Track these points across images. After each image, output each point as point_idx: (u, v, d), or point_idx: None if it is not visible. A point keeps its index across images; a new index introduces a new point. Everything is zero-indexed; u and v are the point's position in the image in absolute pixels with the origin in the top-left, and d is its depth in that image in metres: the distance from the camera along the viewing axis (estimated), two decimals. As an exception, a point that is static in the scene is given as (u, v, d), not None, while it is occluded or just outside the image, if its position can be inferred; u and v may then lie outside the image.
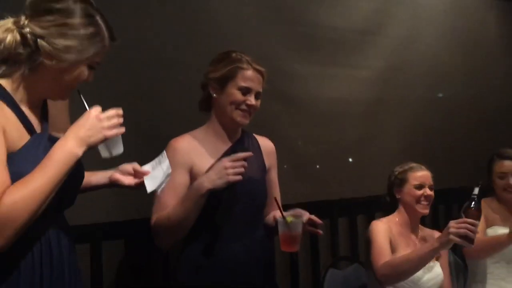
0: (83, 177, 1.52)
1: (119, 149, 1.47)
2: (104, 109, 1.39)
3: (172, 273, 1.99)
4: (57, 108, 1.54)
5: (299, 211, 1.95)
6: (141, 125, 2.21)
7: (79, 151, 1.33)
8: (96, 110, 1.39)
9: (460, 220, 2.07)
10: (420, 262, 2.17)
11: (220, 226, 1.92)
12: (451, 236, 2.04)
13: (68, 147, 1.32)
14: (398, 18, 3.32)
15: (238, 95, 1.94)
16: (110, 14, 1.41)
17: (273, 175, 2.16)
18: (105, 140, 1.40)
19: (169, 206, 1.87)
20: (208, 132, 2.02)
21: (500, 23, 3.98)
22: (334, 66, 2.97)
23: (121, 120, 1.42)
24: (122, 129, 1.43)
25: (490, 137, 3.64)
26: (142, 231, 2.12)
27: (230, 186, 1.81)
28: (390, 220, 2.49)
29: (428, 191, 2.46)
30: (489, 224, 2.74)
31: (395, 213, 2.53)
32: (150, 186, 1.60)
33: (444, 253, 2.57)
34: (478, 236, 2.58)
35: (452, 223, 2.07)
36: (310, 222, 1.95)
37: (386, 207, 2.61)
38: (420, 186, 2.46)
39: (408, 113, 3.34)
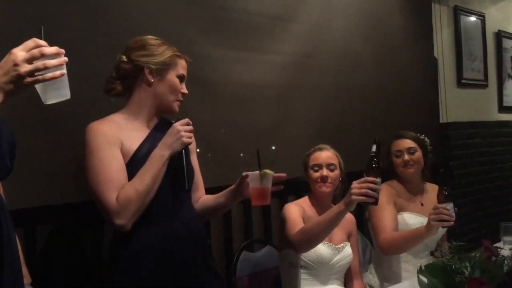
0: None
1: (59, 94, 1.27)
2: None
3: (114, 257, 1.93)
4: None
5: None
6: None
7: None
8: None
9: (361, 179, 2.08)
10: (329, 224, 2.17)
11: (158, 207, 1.89)
12: (353, 196, 2.05)
13: None
14: (311, 5, 3.35)
15: (178, 83, 1.97)
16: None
17: (194, 159, 2.17)
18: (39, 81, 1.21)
19: (123, 182, 1.82)
20: (127, 118, 1.96)
21: (405, 14, 4.14)
22: (246, 50, 2.95)
23: (52, 62, 1.23)
24: (52, 73, 1.23)
25: (399, 122, 3.77)
26: (80, 215, 2.11)
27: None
28: (302, 202, 2.55)
29: (325, 172, 2.47)
30: (397, 209, 2.78)
31: (307, 196, 2.59)
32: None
33: (354, 234, 2.65)
34: (391, 234, 2.61)
35: (354, 183, 2.08)
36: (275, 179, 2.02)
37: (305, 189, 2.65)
38: (316, 168, 2.49)
39: (320, 99, 3.39)
